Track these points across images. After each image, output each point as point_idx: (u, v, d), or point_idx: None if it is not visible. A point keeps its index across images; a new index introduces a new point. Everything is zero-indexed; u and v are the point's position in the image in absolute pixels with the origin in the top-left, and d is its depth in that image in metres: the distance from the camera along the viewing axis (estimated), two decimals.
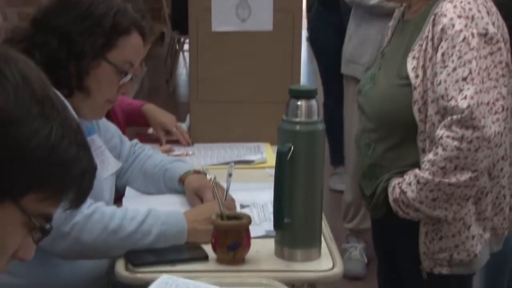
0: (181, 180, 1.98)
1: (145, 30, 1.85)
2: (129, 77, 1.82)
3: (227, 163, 2.31)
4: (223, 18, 2.41)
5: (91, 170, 0.95)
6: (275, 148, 2.38)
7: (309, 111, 1.65)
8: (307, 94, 1.66)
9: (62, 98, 0.98)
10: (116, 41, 1.76)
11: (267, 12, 2.40)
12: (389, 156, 1.97)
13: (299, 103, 1.66)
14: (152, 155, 2.08)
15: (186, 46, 7.26)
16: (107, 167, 1.88)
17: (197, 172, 1.99)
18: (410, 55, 1.91)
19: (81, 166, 0.92)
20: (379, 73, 2.04)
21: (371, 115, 2.02)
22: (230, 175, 1.77)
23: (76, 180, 0.92)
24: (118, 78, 1.79)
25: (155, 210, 1.73)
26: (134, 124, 2.53)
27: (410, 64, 1.89)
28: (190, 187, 1.94)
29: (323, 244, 1.73)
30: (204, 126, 2.49)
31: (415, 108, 1.88)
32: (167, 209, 1.77)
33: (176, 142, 2.48)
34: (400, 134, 1.94)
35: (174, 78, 7.06)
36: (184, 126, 2.60)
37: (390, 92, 1.95)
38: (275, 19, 2.41)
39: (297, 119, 1.66)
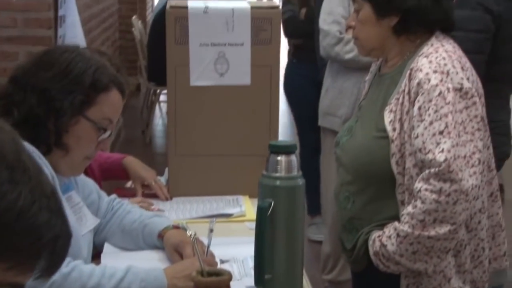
0: (161, 235, 1.96)
1: (124, 87, 1.86)
2: (108, 133, 1.82)
3: (206, 217, 2.32)
4: (201, 73, 2.43)
5: (64, 237, 0.92)
6: (254, 200, 2.40)
7: (289, 166, 1.67)
8: (287, 150, 1.67)
9: (39, 158, 0.97)
10: (95, 98, 1.77)
11: (245, 66, 2.42)
12: (369, 209, 1.99)
13: (278, 158, 1.67)
14: (131, 211, 2.07)
15: (162, 97, 7.30)
16: (85, 224, 1.87)
17: (176, 227, 1.98)
18: (387, 108, 1.94)
19: (53, 233, 0.89)
20: (356, 125, 2.08)
21: (349, 167, 2.04)
22: (211, 230, 1.77)
23: (47, 247, 0.89)
24: (97, 134, 1.79)
25: (134, 267, 1.71)
26: (113, 178, 2.52)
27: (388, 117, 1.92)
28: (170, 243, 1.92)
29: None
30: (183, 179, 2.48)
31: (393, 161, 1.90)
32: (146, 266, 1.76)
33: (155, 196, 2.48)
34: (379, 187, 1.96)
35: (150, 129, 7.06)
36: (162, 179, 2.60)
37: (367, 144, 1.98)
38: (253, 73, 2.43)
39: (277, 174, 1.67)
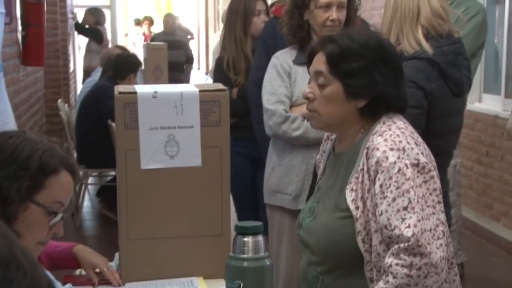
0: None
1: (74, 168, 1.85)
2: (59, 216, 1.80)
3: None
4: (152, 156, 2.44)
5: None
6: (209, 282, 2.40)
7: (256, 247, 1.69)
8: (253, 231, 1.70)
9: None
10: (44, 182, 1.74)
11: (195, 148, 2.45)
12: (338, 286, 2.01)
13: (245, 239, 1.69)
14: None
15: (90, 180, 7.22)
16: None
17: None
18: (348, 187, 1.99)
19: None
20: (318, 206, 2.10)
21: (315, 248, 2.07)
22: None
23: None
24: (48, 219, 1.77)
25: None
26: (63, 267, 2.48)
27: (349, 196, 1.97)
28: None
29: None
30: (135, 264, 2.46)
31: (359, 239, 1.94)
32: None
33: (108, 282, 2.44)
34: (347, 265, 2.00)
35: (80, 212, 6.95)
36: (113, 264, 2.57)
37: (332, 225, 2.02)
38: (203, 154, 2.46)
39: (245, 256, 1.69)
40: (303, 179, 3.31)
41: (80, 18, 10.84)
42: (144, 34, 13.14)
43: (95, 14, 10.49)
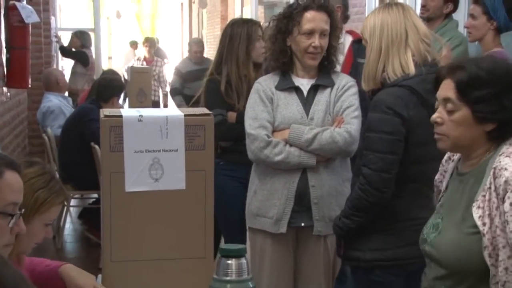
0: None
1: (15, 163, 1.81)
2: (17, 215, 1.79)
3: None
4: (136, 179, 2.47)
5: None
6: None
7: (239, 270, 1.72)
8: (237, 253, 1.73)
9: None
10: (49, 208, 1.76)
11: (180, 171, 2.48)
12: None
13: (229, 262, 1.72)
14: None
15: (72, 202, 7.21)
16: None
17: None
18: (475, 205, 2.12)
19: None
20: (442, 222, 2.26)
21: (443, 262, 2.21)
22: None
23: None
24: (6, 222, 1.76)
25: None
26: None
27: (476, 213, 2.11)
28: None
29: None
30: (118, 286, 2.48)
31: (485, 253, 2.07)
32: None
33: None
34: (474, 279, 2.13)
35: (61, 234, 6.93)
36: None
37: (460, 240, 2.16)
38: (188, 178, 2.49)
39: (228, 278, 1.72)
40: (284, 203, 3.35)
41: (66, 41, 10.82)
42: (145, 58, 11.89)
43: (81, 37, 10.50)
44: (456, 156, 2.42)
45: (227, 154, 4.12)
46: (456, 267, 2.19)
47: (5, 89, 5.66)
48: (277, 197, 3.36)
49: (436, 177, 2.48)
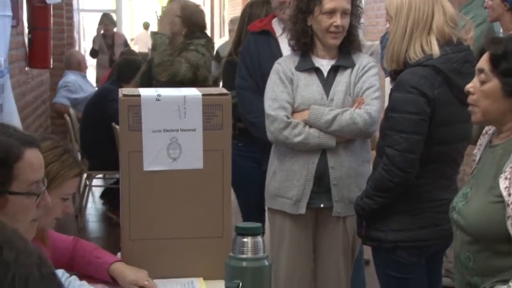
0: None
1: (32, 138, 1.78)
2: (42, 193, 1.78)
3: None
4: (155, 158, 2.48)
5: None
6: (208, 283, 2.44)
7: (255, 248, 1.72)
8: (253, 232, 1.73)
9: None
10: (12, 172, 1.70)
11: (197, 151, 2.49)
12: (489, 266, 2.21)
13: (245, 240, 1.72)
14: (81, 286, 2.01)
15: (94, 181, 7.26)
16: None
17: None
18: (502, 176, 2.19)
19: None
20: (471, 192, 2.34)
21: (468, 230, 2.28)
22: None
23: None
24: (33, 201, 1.75)
25: None
26: (95, 278, 2.46)
27: (503, 184, 2.17)
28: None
29: None
30: (137, 264, 2.49)
31: (508, 223, 2.12)
32: None
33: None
34: (497, 246, 2.19)
35: (83, 214, 6.99)
36: None
37: (485, 208, 2.24)
38: (205, 157, 2.49)
39: (244, 256, 1.72)
40: (304, 184, 3.34)
41: (93, 23, 10.86)
42: None
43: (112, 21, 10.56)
44: (491, 130, 2.50)
45: (245, 135, 4.11)
46: (480, 234, 2.25)
47: (27, 69, 5.70)
48: (296, 178, 3.35)
49: (474, 151, 2.56)
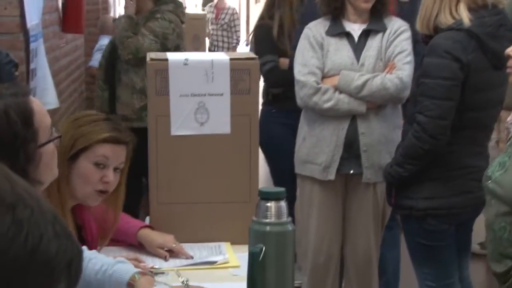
0: (130, 284, 1.96)
1: (22, 87, 1.80)
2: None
3: (190, 265, 2.35)
4: (182, 123, 2.48)
5: (77, 256, 0.92)
6: (236, 247, 2.45)
7: (278, 212, 1.72)
8: (276, 196, 1.73)
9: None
10: (34, 127, 1.69)
11: (225, 116, 2.48)
12: None
13: (268, 204, 1.72)
14: (92, 258, 2.03)
15: None
16: None
17: (143, 273, 2.00)
18: None
19: (66, 258, 0.90)
20: (509, 160, 2.27)
21: (505, 199, 2.23)
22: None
23: (63, 273, 0.90)
24: (56, 144, 1.77)
25: None
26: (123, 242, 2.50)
27: None
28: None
29: None
30: (164, 228, 2.51)
31: None
32: None
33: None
34: None
35: None
36: None
37: None
38: (233, 122, 2.49)
39: (267, 220, 1.71)
40: (333, 150, 3.32)
41: None
42: (216, 6, 10.72)
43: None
44: None
45: (279, 101, 4.08)
46: None
47: (61, 34, 5.72)
48: (325, 144, 3.33)
49: (508, 118, 2.50)
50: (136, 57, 4.28)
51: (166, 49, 4.22)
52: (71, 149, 2.20)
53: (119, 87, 4.46)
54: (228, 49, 10.40)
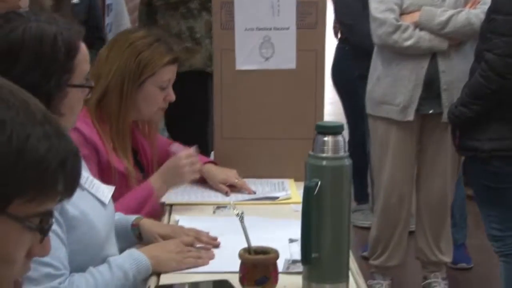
0: (135, 225, 1.97)
1: (79, 30, 1.69)
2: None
3: (252, 199, 2.35)
4: (247, 57, 2.45)
5: (71, 156, 0.91)
6: (299, 184, 2.42)
7: (335, 147, 1.67)
8: (333, 130, 1.68)
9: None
10: (73, 64, 1.65)
11: (291, 50, 2.44)
12: None
13: (325, 139, 1.68)
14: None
15: None
16: (102, 194, 1.78)
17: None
18: None
19: (59, 157, 0.89)
20: None
21: None
22: (239, 215, 1.75)
23: (58, 172, 0.89)
24: (84, 94, 1.71)
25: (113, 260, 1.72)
26: None
27: None
28: (147, 227, 1.96)
29: (351, 279, 1.73)
30: (228, 162, 2.50)
31: None
32: None
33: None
34: None
35: None
36: None
37: None
38: (298, 57, 2.44)
39: (324, 155, 1.67)
40: (412, 89, 3.22)
41: None
42: None
43: None
44: None
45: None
46: None
47: None
48: (403, 84, 3.22)
49: None
50: (167, 1, 4.06)
51: None
52: (140, 77, 2.22)
53: None
54: None
